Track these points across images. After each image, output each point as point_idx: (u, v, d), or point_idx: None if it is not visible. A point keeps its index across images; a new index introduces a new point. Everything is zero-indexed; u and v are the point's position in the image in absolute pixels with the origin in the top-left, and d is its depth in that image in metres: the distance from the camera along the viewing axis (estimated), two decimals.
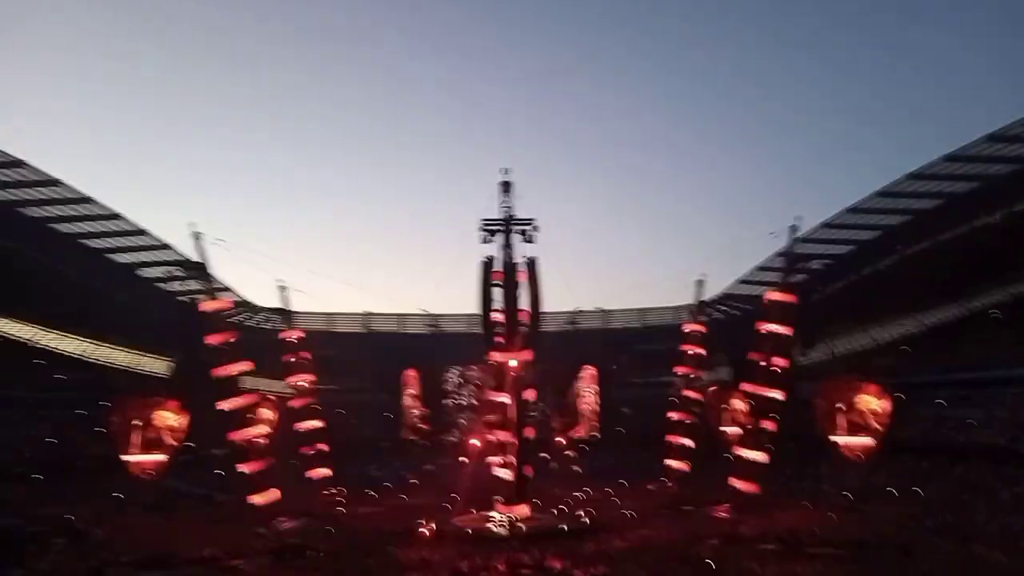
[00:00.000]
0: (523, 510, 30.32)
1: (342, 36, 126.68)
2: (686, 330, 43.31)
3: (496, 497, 30.96)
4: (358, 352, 52.98)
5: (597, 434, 46.85)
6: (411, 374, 49.66)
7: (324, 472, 38.77)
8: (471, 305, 35.16)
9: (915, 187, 39.57)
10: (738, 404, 37.44)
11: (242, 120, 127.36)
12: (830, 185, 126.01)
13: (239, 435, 31.96)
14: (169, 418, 32.48)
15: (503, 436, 31.69)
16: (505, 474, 31.34)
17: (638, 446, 46.09)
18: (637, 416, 52.21)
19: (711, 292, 49.43)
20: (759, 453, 32.25)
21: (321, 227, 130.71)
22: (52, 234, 43.42)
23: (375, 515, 34.03)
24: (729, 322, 52.06)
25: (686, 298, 45.10)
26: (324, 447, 39.41)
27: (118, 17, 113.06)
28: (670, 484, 39.92)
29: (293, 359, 40.63)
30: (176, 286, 45.53)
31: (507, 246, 33.61)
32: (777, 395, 32.97)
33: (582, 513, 31.06)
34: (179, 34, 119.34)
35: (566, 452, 46.44)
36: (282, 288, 40.99)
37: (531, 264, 33.29)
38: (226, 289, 46.56)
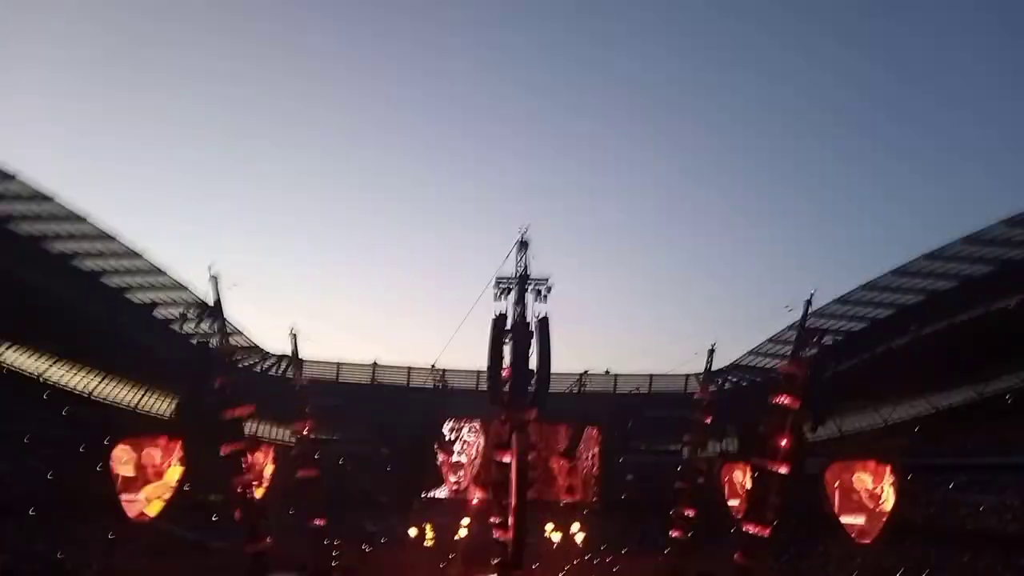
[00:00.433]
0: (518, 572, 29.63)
1: (359, 92, 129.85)
2: (695, 398, 42.86)
3: (493, 560, 30.36)
4: (363, 403, 52.76)
5: (598, 500, 46.09)
6: (414, 429, 49.36)
7: (321, 524, 38.22)
8: (479, 361, 35.00)
9: (931, 267, 39.60)
10: (744, 477, 36.80)
11: (262, 172, 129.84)
12: (845, 261, 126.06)
13: (237, 481, 31.68)
14: (168, 460, 32.31)
15: (503, 496, 31.17)
16: (503, 536, 30.71)
17: (641, 513, 45.25)
18: (641, 483, 51.36)
19: (721, 361, 49.06)
20: (763, 529, 31.48)
21: (335, 277, 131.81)
22: (74, 268, 44.11)
23: (370, 571, 33.47)
24: (738, 392, 51.57)
25: (695, 366, 44.78)
26: (322, 498, 38.91)
27: (143, 55, 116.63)
28: (671, 554, 38.99)
29: (297, 407, 40.50)
30: (189, 327, 45.85)
31: (520, 304, 33.56)
32: (784, 470, 32.33)
33: None
34: (199, 79, 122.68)
35: (568, 517, 45.71)
36: (293, 335, 41.14)
37: (543, 323, 33.15)
38: (238, 333, 46.86)
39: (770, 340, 48.50)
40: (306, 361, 45.55)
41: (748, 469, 36.21)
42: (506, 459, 32.25)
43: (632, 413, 55.36)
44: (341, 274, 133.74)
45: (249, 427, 34.27)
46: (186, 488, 33.16)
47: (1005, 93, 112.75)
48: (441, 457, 47.33)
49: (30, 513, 33.16)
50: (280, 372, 53.62)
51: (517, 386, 32.99)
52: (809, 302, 35.17)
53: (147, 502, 30.72)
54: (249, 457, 33.11)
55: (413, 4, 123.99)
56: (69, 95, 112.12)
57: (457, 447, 48.45)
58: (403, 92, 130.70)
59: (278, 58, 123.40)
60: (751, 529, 32.24)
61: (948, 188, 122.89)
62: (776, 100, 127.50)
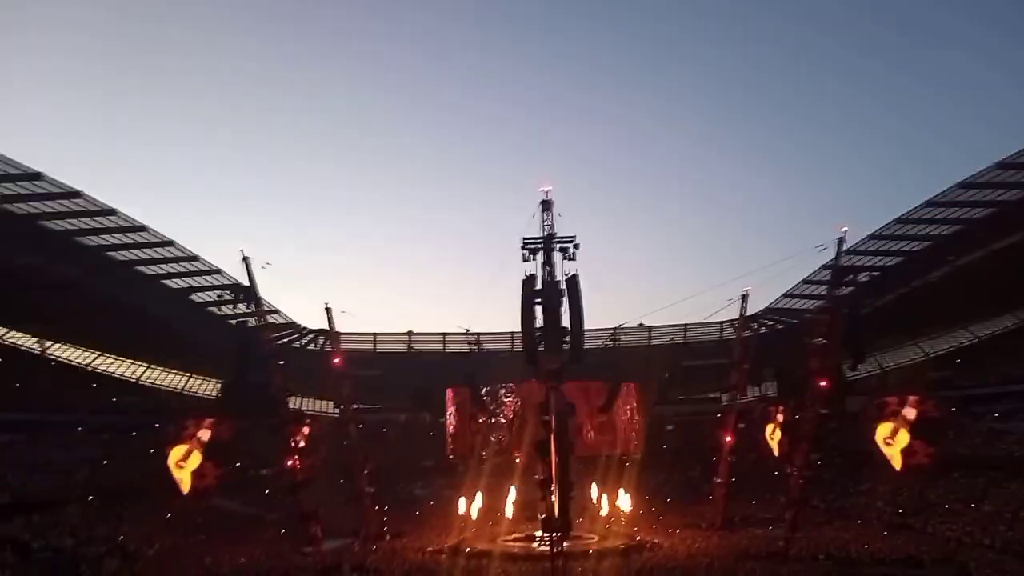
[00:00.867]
0: (568, 528, 30.16)
1: (382, 65, 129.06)
2: (730, 345, 42.72)
3: (541, 515, 30.94)
4: (401, 372, 53.48)
5: (640, 452, 46.41)
6: (453, 393, 49.87)
7: (370, 491, 39.13)
8: (513, 323, 35.15)
9: (966, 196, 38.67)
10: (785, 419, 36.76)
11: (287, 146, 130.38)
12: (878, 195, 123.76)
13: (286, 455, 32.50)
14: (219, 439, 33.12)
15: (545, 454, 31.63)
16: (548, 492, 31.19)
17: (683, 463, 45.52)
18: (681, 433, 51.57)
19: (756, 306, 48.76)
20: (807, 470, 31.52)
21: (365, 250, 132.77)
22: (109, 261, 44.97)
23: (421, 535, 34.29)
24: (775, 336, 51.27)
25: (730, 313, 44.53)
26: (369, 467, 39.80)
27: (172, 50, 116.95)
28: (716, 502, 39.31)
29: (338, 380, 41.20)
30: (226, 309, 46.67)
31: (548, 264, 33.58)
32: (825, 410, 32.24)
33: (628, 532, 30.86)
34: (228, 68, 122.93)
35: (610, 470, 46.12)
36: (328, 309, 41.70)
37: (572, 281, 33.19)
38: (275, 311, 47.58)
39: (804, 281, 47.96)
40: (343, 334, 46.21)
41: (789, 411, 36.19)
42: (545, 417, 32.65)
43: (668, 364, 55.41)
44: (371, 246, 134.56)
45: (293, 401, 35.02)
46: (238, 464, 34.06)
47: None
48: (481, 419, 47.85)
49: (90, 499, 34.30)
50: (318, 346, 54.47)
51: (551, 345, 33.24)
52: (842, 240, 34.66)
53: (200, 480, 31.61)
54: (295, 431, 33.87)
55: None
56: (94, 84, 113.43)
57: (496, 408, 48.98)
58: (426, 61, 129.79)
59: (303, 39, 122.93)
60: (794, 470, 32.36)
61: (980, 112, 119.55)
62: (800, 33, 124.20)
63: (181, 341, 52.28)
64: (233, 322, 45.96)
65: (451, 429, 48.41)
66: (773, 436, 37.83)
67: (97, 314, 46.40)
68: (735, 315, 43.73)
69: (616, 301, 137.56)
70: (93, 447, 40.98)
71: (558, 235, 33.42)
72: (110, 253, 45.11)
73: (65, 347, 49.16)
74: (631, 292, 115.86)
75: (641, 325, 57.04)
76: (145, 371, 53.84)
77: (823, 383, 32.73)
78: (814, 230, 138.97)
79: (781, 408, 37.71)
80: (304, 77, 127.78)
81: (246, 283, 35.43)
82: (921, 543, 26.95)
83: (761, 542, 29.46)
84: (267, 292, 38.18)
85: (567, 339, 33.06)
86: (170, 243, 45.36)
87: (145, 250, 46.03)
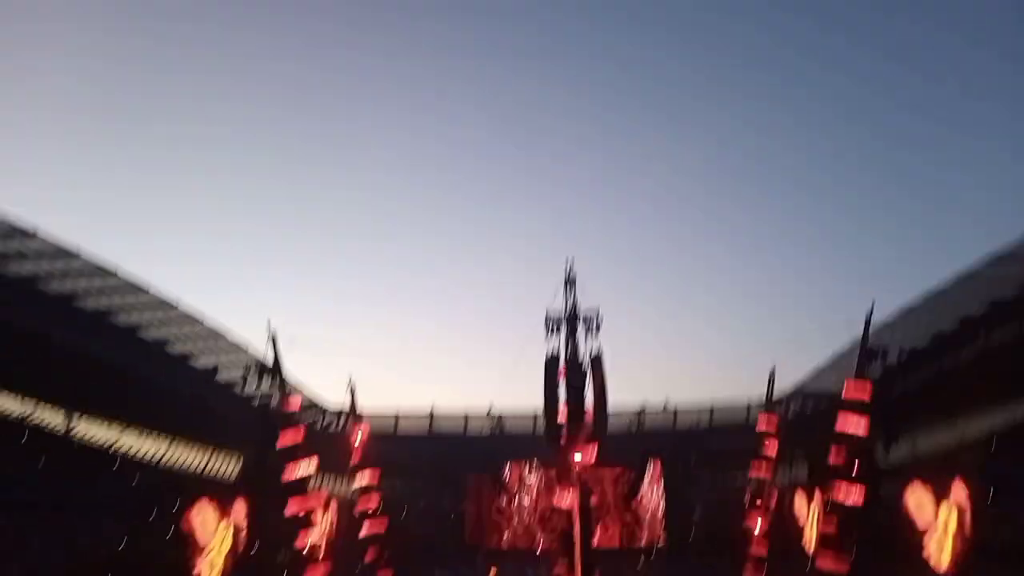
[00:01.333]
0: None
1: (402, 134, 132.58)
2: (758, 428, 41.70)
3: None
4: (422, 453, 52.90)
5: (663, 540, 44.90)
6: (475, 479, 49.10)
7: None
8: (535, 399, 34.75)
9: (993, 273, 38.28)
10: (816, 507, 35.53)
11: (314, 226, 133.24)
12: (905, 273, 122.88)
13: (303, 539, 31.91)
14: (236, 522, 32.68)
15: (567, 543, 30.78)
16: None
17: (708, 552, 43.85)
18: (707, 520, 49.91)
19: (783, 385, 47.94)
20: (839, 561, 30.23)
21: (388, 324, 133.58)
22: (139, 341, 45.75)
23: None
24: (804, 418, 50.11)
25: (756, 390, 43.80)
26: (387, 551, 38.87)
27: (179, 104, 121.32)
28: None
29: (358, 461, 40.77)
30: (250, 388, 46.90)
31: (571, 340, 33.45)
32: (857, 498, 31.12)
33: None
34: (241, 132, 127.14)
35: (635, 561, 44.70)
36: (351, 389, 41.65)
37: (596, 360, 32.98)
38: (297, 392, 47.65)
39: (831, 362, 47.27)
40: (365, 414, 46.02)
41: (820, 499, 35.00)
42: (565, 504, 31.89)
43: (694, 446, 54.21)
44: (395, 321, 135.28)
45: (313, 483, 34.60)
46: (254, 549, 33.45)
47: None
48: (500, 505, 46.99)
49: None
50: (339, 427, 54.20)
51: (573, 427, 32.77)
52: (869, 318, 34.12)
53: (215, 566, 31.04)
54: (314, 514, 33.34)
55: (451, 37, 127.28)
56: (106, 162, 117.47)
57: (517, 492, 48.14)
58: (447, 132, 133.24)
59: (320, 106, 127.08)
60: (827, 564, 31.00)
61: (1003, 193, 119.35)
62: (824, 119, 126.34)
63: (205, 419, 52.47)
64: (256, 401, 46.20)
65: (471, 514, 47.48)
66: (805, 525, 36.58)
67: (123, 391, 46.86)
68: (762, 395, 42.95)
69: (641, 377, 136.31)
70: (111, 528, 40.60)
71: (582, 309, 33.44)
72: (140, 331, 46.02)
73: (89, 424, 49.45)
74: (657, 367, 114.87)
75: (665, 408, 56.23)
76: (167, 450, 53.86)
77: (855, 469, 31.74)
78: (843, 309, 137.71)
79: (813, 495, 36.55)
80: (327, 156, 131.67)
81: (271, 360, 35.66)
82: None
83: None
84: (291, 369, 38.39)
85: (591, 422, 32.64)
86: (199, 321, 46.24)
87: (174, 328, 46.92)
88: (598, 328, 33.14)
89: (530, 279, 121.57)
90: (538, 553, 38.03)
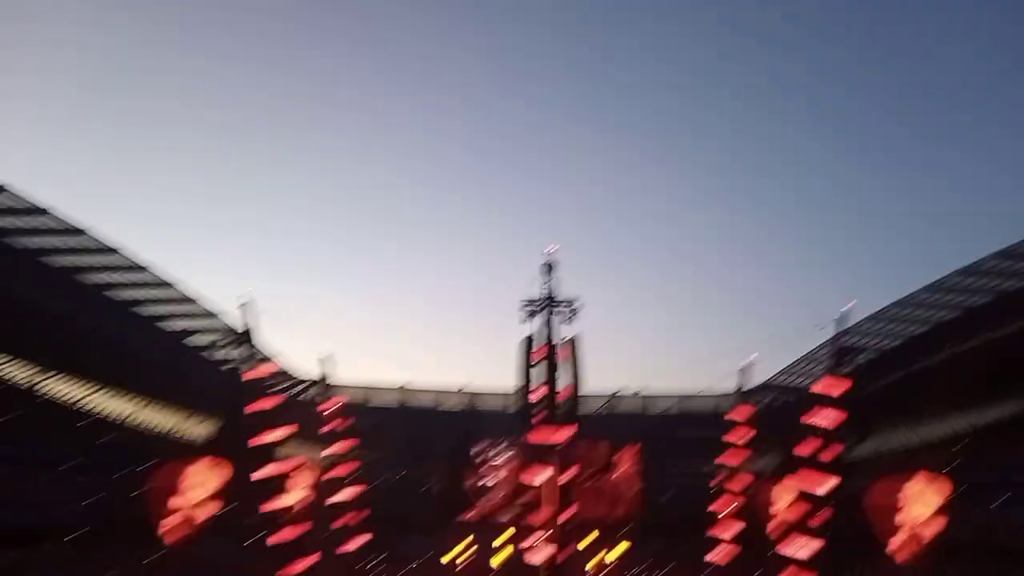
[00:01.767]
0: None
1: (385, 115, 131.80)
2: (730, 418, 42.25)
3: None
4: (394, 426, 52.91)
5: (635, 520, 45.47)
6: (445, 450, 49.28)
7: (357, 545, 38.16)
8: (509, 383, 34.94)
9: (966, 283, 39.10)
10: (783, 497, 36.14)
11: (293, 196, 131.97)
12: (879, 277, 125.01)
13: (273, 503, 31.79)
14: (205, 485, 32.51)
15: (537, 517, 31.01)
16: (539, 558, 30.49)
17: (677, 537, 44.43)
18: (676, 505, 50.52)
19: (755, 380, 48.60)
20: (803, 550, 30.81)
21: (364, 304, 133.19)
22: (108, 301, 45.08)
23: None
24: (774, 412, 50.92)
25: (729, 383, 44.37)
26: (358, 520, 38.93)
27: (164, 73, 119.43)
28: (711, 573, 38.24)
29: (332, 429, 40.68)
30: (221, 354, 46.51)
31: (548, 326, 33.54)
32: (823, 490, 31.70)
33: None
34: (224, 105, 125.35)
35: (604, 537, 45.17)
36: (323, 359, 41.47)
37: (572, 343, 33.10)
38: (269, 358, 47.27)
39: (803, 359, 48.02)
40: (338, 385, 45.83)
41: (787, 489, 35.57)
42: (536, 481, 32.10)
43: (665, 434, 54.83)
44: (371, 301, 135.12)
45: (285, 450, 34.48)
46: (222, 512, 33.30)
47: None
48: (471, 480, 47.22)
49: (67, 540, 33.52)
50: (311, 397, 53.99)
51: (547, 408, 32.95)
52: (843, 319, 34.74)
53: (184, 526, 30.90)
54: (286, 480, 33.21)
55: (437, 23, 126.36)
56: (92, 126, 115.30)
57: (486, 470, 48.36)
58: (428, 117, 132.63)
59: (303, 77, 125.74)
60: (790, 552, 31.57)
61: (982, 202, 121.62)
62: (805, 116, 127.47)
63: (176, 383, 51.96)
64: (228, 367, 45.88)
65: (442, 486, 47.67)
66: (771, 512, 37.18)
67: (93, 350, 46.23)
68: (734, 387, 43.48)
69: (615, 367, 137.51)
70: (75, 488, 40.14)
71: (559, 298, 33.54)
72: (110, 291, 45.32)
73: (56, 383, 48.66)
74: (630, 359, 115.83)
75: (637, 393, 56.77)
76: (137, 411, 53.25)
77: (823, 462, 32.30)
78: (816, 308, 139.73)
79: (780, 486, 37.14)
80: (310, 128, 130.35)
81: (242, 328, 35.31)
82: None
83: None
84: (266, 339, 38.07)
85: (564, 402, 32.84)
86: (170, 285, 45.61)
87: (144, 290, 46.27)
88: (574, 314, 33.22)
89: (509, 264, 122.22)
90: (508, 526, 38.33)
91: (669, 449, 54.51)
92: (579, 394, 33.36)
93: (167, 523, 30.23)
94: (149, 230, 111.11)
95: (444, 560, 38.78)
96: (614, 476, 45.66)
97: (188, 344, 52.48)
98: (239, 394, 35.53)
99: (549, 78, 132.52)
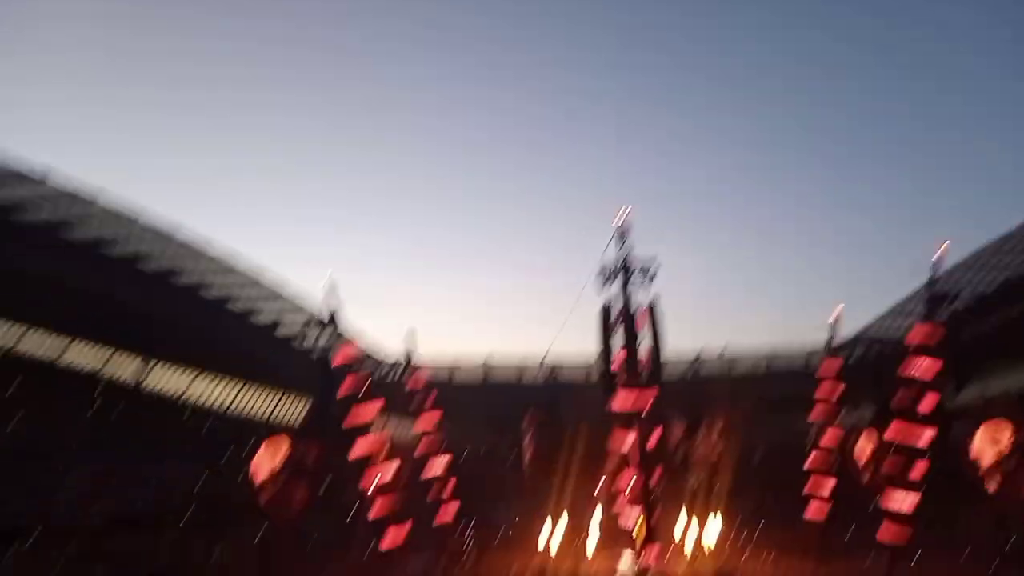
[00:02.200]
0: (653, 552, 29.37)
1: (453, 93, 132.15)
2: (820, 373, 41.05)
3: (627, 538, 30.27)
4: (479, 399, 53.75)
5: (726, 482, 44.82)
6: (531, 421, 49.74)
7: (450, 515, 39.15)
8: (590, 349, 34.77)
9: None
10: (881, 449, 34.99)
11: (373, 181, 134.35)
12: (977, 213, 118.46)
13: (368, 480, 32.86)
14: (304, 464, 33.81)
15: (628, 477, 31.00)
16: (632, 517, 30.52)
17: (771, 496, 43.66)
18: (769, 464, 49.60)
19: (849, 330, 47.12)
20: (906, 501, 29.82)
21: (446, 275, 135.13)
22: (200, 299, 47.28)
23: (503, 557, 34.09)
24: (869, 362, 49.25)
25: (818, 338, 42.97)
26: (449, 491, 39.88)
27: (237, 65, 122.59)
28: (809, 534, 37.48)
29: (418, 405, 41.64)
30: (310, 339, 48.16)
31: (625, 291, 33.14)
32: (925, 438, 30.54)
33: (718, 557, 29.93)
34: (321, 102, 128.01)
35: (694, 500, 44.81)
36: (407, 337, 42.30)
37: (651, 308, 32.59)
38: (355, 339, 48.63)
39: (896, 308, 46.16)
40: (423, 361, 46.76)
41: (885, 440, 34.41)
42: (624, 447, 32.01)
43: (753, 393, 53.76)
44: (451, 272, 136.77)
45: (375, 427, 35.54)
46: (322, 490, 34.66)
47: None
48: (556, 442, 47.61)
49: (181, 524, 35.51)
50: (396, 377, 55.33)
51: (630, 374, 32.71)
52: (937, 263, 33.05)
53: (286, 505, 32.27)
54: (378, 455, 34.23)
55: None
56: (156, 121, 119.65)
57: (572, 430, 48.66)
58: (494, 87, 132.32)
59: (364, 57, 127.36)
60: (888, 506, 30.61)
61: None
62: (887, 60, 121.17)
63: (268, 373, 54.15)
64: (318, 350, 47.48)
65: (529, 453, 48.18)
66: (868, 466, 36.14)
67: (190, 344, 48.61)
68: (824, 340, 42.12)
69: (698, 326, 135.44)
70: (184, 473, 42.41)
71: (638, 258, 32.99)
72: (202, 287, 47.49)
73: (159, 378, 51.53)
74: (714, 317, 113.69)
75: (722, 355, 55.71)
76: (236, 397, 55.88)
77: (923, 410, 31.10)
78: (908, 254, 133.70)
79: (877, 437, 35.97)
80: (382, 109, 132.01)
81: (329, 311, 36.36)
82: None
83: (859, 573, 27.93)
84: (350, 320, 39.12)
85: (646, 368, 32.55)
86: (255, 274, 47.46)
87: (235, 288, 48.34)
88: (653, 277, 32.68)
89: (585, 228, 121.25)
90: (600, 490, 38.49)
91: (758, 408, 53.47)
92: (661, 358, 32.99)
93: (270, 503, 31.64)
94: (230, 222, 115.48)
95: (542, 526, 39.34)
96: (701, 438, 45.08)
97: (278, 334, 54.53)
98: (329, 377, 36.76)
99: (624, 31, 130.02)
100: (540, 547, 34.33)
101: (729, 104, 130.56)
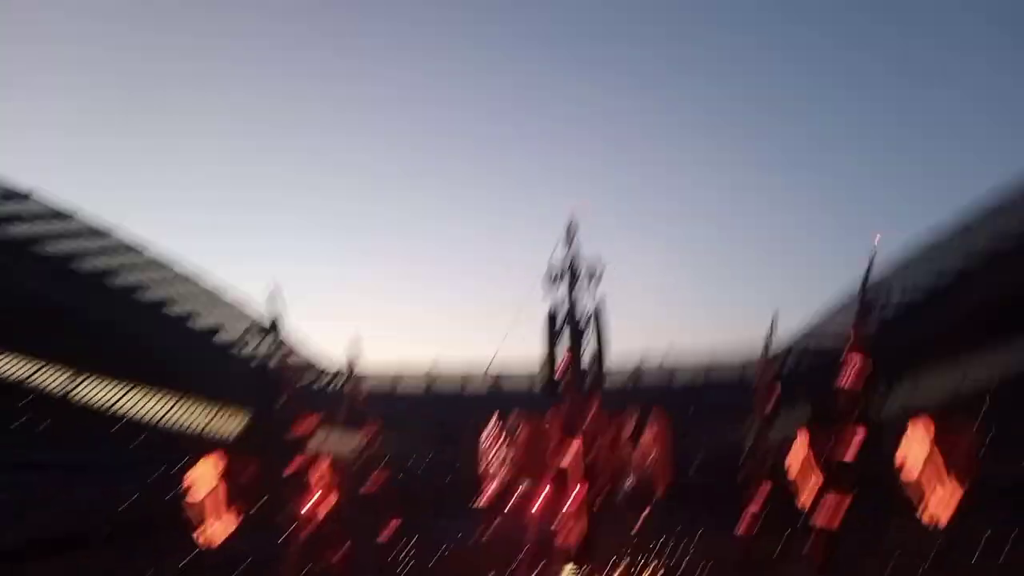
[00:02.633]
0: (589, 565, 29.46)
1: (401, 92, 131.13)
2: (757, 378, 41.81)
3: (562, 552, 30.29)
4: (422, 408, 53.34)
5: (664, 488, 45.29)
6: (472, 430, 49.50)
7: (389, 530, 38.68)
8: (535, 351, 34.65)
9: (995, 223, 38.03)
10: (813, 454, 35.73)
11: (314, 183, 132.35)
12: (910, 215, 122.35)
13: (305, 496, 32.22)
14: (238, 479, 32.92)
15: (565, 490, 31.01)
16: (569, 529, 30.56)
17: (706, 501, 44.32)
18: (704, 470, 50.39)
19: (783, 333, 48.08)
20: (832, 512, 30.52)
21: (387, 280, 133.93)
22: (136, 302, 45.76)
23: (443, 572, 33.79)
24: (803, 366, 50.38)
25: (757, 339, 43.81)
26: (389, 505, 39.42)
27: (188, 64, 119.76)
28: (740, 541, 38.12)
29: (360, 417, 41.09)
30: (249, 347, 47.10)
31: (572, 294, 33.14)
32: (855, 442, 31.31)
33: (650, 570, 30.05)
34: (249, 98, 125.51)
35: (634, 506, 45.07)
36: (350, 344, 41.70)
37: (596, 313, 32.66)
38: (298, 347, 47.81)
39: (832, 310, 47.26)
40: (366, 371, 46.12)
41: (817, 446, 35.13)
42: (564, 455, 32.04)
43: (691, 401, 54.53)
44: (394, 280, 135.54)
45: (313, 442, 34.88)
46: (257, 506, 33.76)
47: None
48: (488, 457, 47.28)
49: (105, 541, 34.29)
50: (339, 387, 54.52)
51: (573, 380, 32.77)
52: (869, 269, 33.89)
53: (219, 522, 31.36)
54: (315, 472, 33.58)
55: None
56: (106, 124, 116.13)
57: (500, 445, 48.45)
58: (444, 88, 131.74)
59: (318, 67, 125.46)
60: (819, 515, 31.23)
61: (1011, 132, 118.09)
62: (828, 56, 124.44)
63: (205, 379, 52.70)
64: (257, 359, 46.48)
65: (475, 464, 47.88)
66: (799, 472, 36.80)
67: (124, 351, 47.02)
68: (760, 348, 42.91)
69: (641, 328, 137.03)
70: (111, 489, 41.06)
71: (583, 262, 32.98)
72: (138, 292, 45.95)
73: (89, 388, 49.76)
74: (656, 319, 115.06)
75: (662, 364, 56.41)
76: (169, 411, 54.31)
77: (854, 414, 31.82)
78: (843, 258, 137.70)
79: (810, 444, 36.67)
80: (327, 117, 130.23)
81: (271, 319, 35.54)
82: None
83: None
84: (293, 326, 38.43)
85: (590, 374, 32.65)
86: (196, 281, 46.17)
87: (171, 288, 46.89)
88: (600, 278, 32.76)
89: (529, 235, 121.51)
90: (517, 500, 38.43)
91: (695, 416, 54.25)
92: (604, 364, 33.14)
93: (201, 523, 30.71)
94: (170, 226, 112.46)
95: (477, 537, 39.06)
96: (639, 447, 45.41)
97: (216, 340, 53.17)
98: (268, 387, 35.95)
99: (565, 40, 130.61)
100: (481, 562, 34.11)
101: (675, 112, 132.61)
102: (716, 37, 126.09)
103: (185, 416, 55.18)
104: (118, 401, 51.09)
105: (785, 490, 38.14)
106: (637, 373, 53.80)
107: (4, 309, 40.06)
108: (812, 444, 36.41)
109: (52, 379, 47.87)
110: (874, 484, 31.99)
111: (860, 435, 31.14)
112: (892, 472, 31.69)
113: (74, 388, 49.04)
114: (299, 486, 32.45)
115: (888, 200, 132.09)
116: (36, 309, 40.79)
